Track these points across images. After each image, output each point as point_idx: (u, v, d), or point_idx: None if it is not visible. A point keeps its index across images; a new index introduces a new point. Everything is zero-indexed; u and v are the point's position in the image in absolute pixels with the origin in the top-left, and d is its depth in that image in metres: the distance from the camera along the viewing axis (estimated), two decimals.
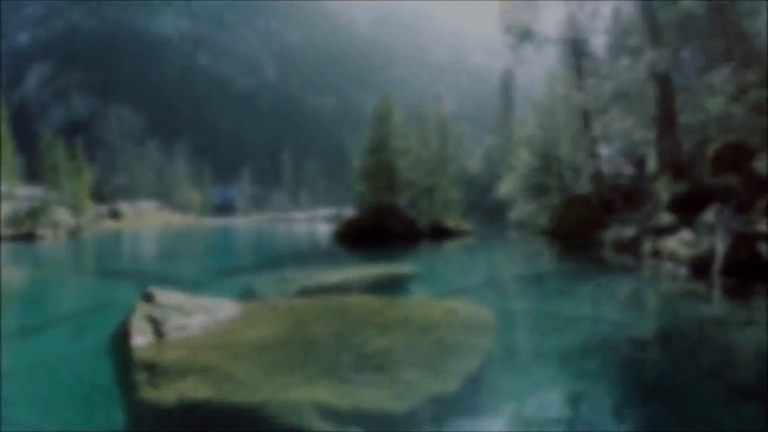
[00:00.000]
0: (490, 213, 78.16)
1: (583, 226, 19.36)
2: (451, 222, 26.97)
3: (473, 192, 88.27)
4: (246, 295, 10.18)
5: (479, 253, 18.15)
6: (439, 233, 25.77)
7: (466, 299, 9.01)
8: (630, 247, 16.08)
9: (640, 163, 24.96)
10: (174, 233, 74.29)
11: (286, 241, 41.83)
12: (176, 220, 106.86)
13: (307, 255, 21.68)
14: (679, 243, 11.69)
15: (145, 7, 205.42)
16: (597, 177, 22.93)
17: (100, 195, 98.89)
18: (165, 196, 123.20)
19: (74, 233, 50.00)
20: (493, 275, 12.70)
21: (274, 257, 21.80)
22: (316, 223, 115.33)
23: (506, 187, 29.32)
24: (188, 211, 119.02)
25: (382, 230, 24.08)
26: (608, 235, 17.40)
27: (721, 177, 22.01)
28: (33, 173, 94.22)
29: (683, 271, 11.33)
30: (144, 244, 41.54)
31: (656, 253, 13.32)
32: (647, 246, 13.31)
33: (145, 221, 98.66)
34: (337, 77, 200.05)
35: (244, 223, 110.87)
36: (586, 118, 25.07)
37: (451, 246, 22.77)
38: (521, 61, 27.51)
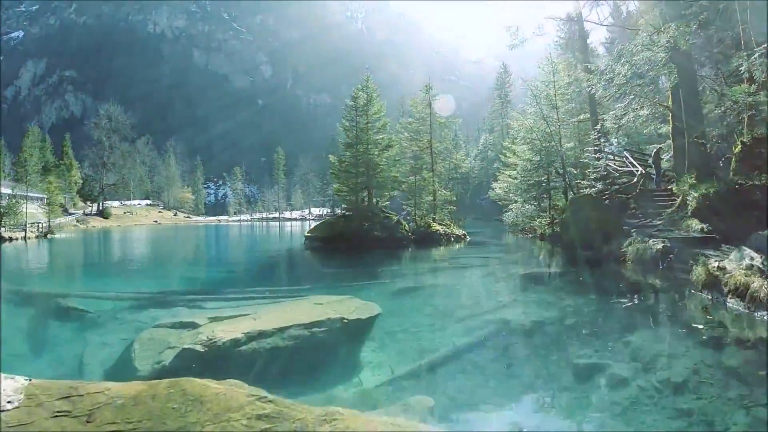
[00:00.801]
0: (485, 212, 74.72)
1: (594, 233, 15.77)
2: (440, 226, 23.34)
3: (468, 190, 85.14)
4: (106, 359, 6.56)
5: (469, 272, 14.37)
6: (427, 239, 22.15)
7: (440, 405, 5.00)
8: (658, 264, 12.53)
9: (655, 159, 21.24)
10: (152, 235, 70.51)
11: (258, 247, 38.18)
12: (166, 219, 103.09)
13: (265, 269, 17.90)
14: (749, 272, 8.04)
15: (140, 5, 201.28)
16: (607, 175, 19.32)
17: (89, 193, 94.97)
18: (157, 195, 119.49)
19: (45, 235, 46.12)
20: (483, 324, 8.01)
21: (228, 272, 18.61)
22: (309, 223, 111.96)
23: (501, 186, 25.61)
24: (180, 210, 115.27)
25: (359, 236, 20.48)
26: (628, 247, 13.85)
27: (752, 175, 18.43)
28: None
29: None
30: (108, 248, 38.29)
31: (710, 283, 9.47)
32: (699, 271, 9.41)
33: (134, 221, 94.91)
34: (333, 75, 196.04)
35: (232, 223, 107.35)
36: (593, 107, 21.50)
37: (437, 256, 19.04)
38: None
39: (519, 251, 20.38)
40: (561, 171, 21.19)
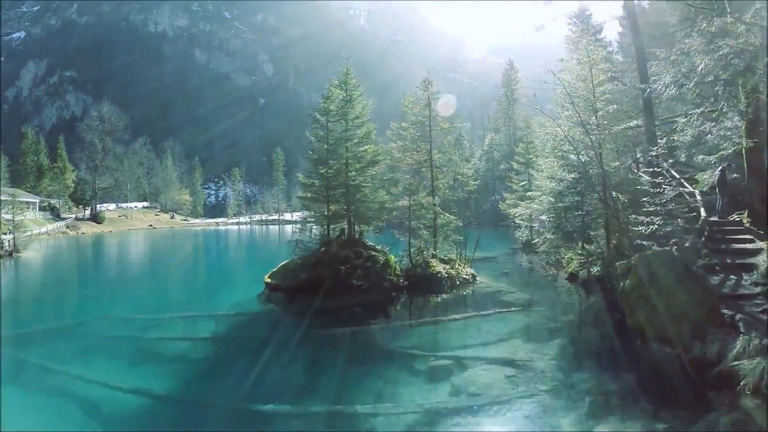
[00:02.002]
0: (491, 217, 68.46)
1: (678, 321, 9.67)
2: (442, 264, 17.61)
3: (472, 194, 78.00)
4: None
5: (480, 374, 8.50)
6: (424, 284, 16.32)
7: None
8: None
9: (721, 181, 15.17)
10: (139, 241, 65.04)
11: (237, 262, 32.46)
12: (162, 222, 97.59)
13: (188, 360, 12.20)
14: None
15: (142, 4, 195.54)
16: (669, 209, 13.32)
17: (81, 197, 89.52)
18: (155, 197, 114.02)
19: (10, 254, 40.07)
20: None
21: (178, 301, 14.02)
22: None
23: (525, 211, 19.40)
24: (178, 212, 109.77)
25: (332, 284, 14.76)
26: (741, 361, 8.02)
27: None
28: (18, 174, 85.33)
29: None
30: (81, 261, 33.35)
31: None
32: None
33: (128, 225, 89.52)
34: (335, 74, 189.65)
35: (231, 226, 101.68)
36: (650, 111, 15.48)
37: (435, 322, 13.06)
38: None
39: (550, 310, 14.36)
40: (602, 195, 15.21)
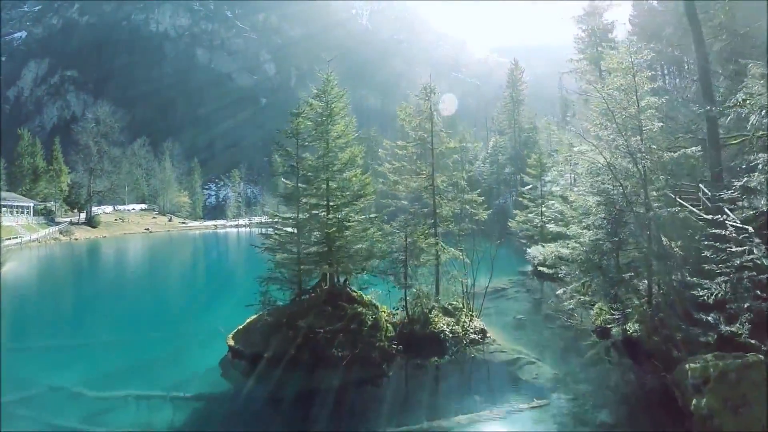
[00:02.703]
0: (494, 225, 64.57)
1: None
2: (445, 319, 13.41)
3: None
4: None
5: None
6: (423, 344, 12.71)
7: None
8: None
9: None
10: (130, 250, 61.56)
11: (220, 285, 28.91)
12: (159, 225, 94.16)
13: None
14: None
15: (143, 4, 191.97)
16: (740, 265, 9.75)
17: (75, 201, 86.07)
18: (153, 199, 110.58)
19: None
20: None
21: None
22: None
23: (547, 253, 15.42)
24: (177, 215, 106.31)
25: (308, 352, 11.29)
26: None
27: None
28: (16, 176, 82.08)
29: None
30: (57, 280, 29.85)
31: None
32: None
33: (124, 229, 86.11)
34: (337, 73, 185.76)
35: (229, 229, 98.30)
36: (714, 134, 11.80)
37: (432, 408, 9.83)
38: None
39: (588, 400, 10.73)
40: (648, 241, 11.58)
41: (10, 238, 53.04)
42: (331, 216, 12.28)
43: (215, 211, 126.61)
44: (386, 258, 13.53)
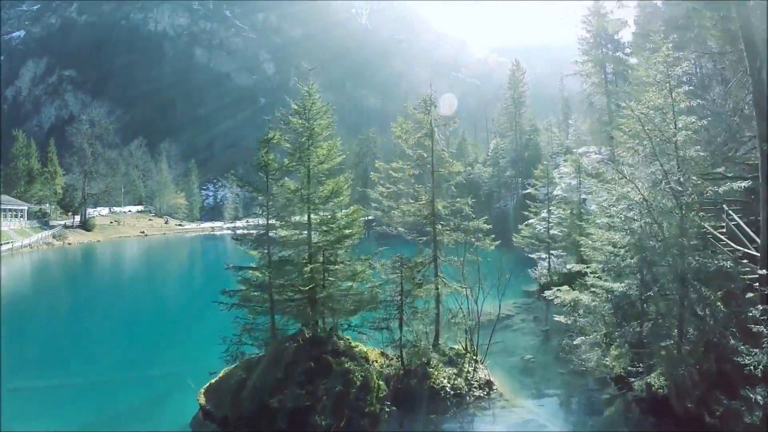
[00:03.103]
0: (494, 230, 62.50)
1: None
2: (446, 371, 11.49)
3: (476, 201, 70.96)
4: None
5: None
6: (418, 399, 10.76)
7: None
8: None
9: None
10: (120, 256, 59.66)
11: (202, 307, 26.95)
12: (155, 228, 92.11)
13: None
14: None
15: (142, 3, 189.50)
16: None
17: (69, 204, 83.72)
18: (150, 200, 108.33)
19: None
20: None
21: None
22: None
23: (567, 296, 13.25)
24: (173, 216, 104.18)
25: (287, 417, 9.43)
26: None
27: None
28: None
29: None
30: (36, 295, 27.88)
31: None
32: None
33: (119, 232, 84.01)
34: (337, 73, 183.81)
35: (225, 231, 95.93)
36: None
37: None
38: None
39: None
40: (683, 290, 9.62)
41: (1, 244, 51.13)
42: (311, 266, 10.21)
43: (213, 213, 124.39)
44: (379, 308, 11.53)
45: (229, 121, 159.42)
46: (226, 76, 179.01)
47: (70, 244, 68.86)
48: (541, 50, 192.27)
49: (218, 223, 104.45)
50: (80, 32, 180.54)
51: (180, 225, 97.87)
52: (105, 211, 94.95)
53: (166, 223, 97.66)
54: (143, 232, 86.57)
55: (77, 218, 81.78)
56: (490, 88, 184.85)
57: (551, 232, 24.46)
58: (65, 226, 76.55)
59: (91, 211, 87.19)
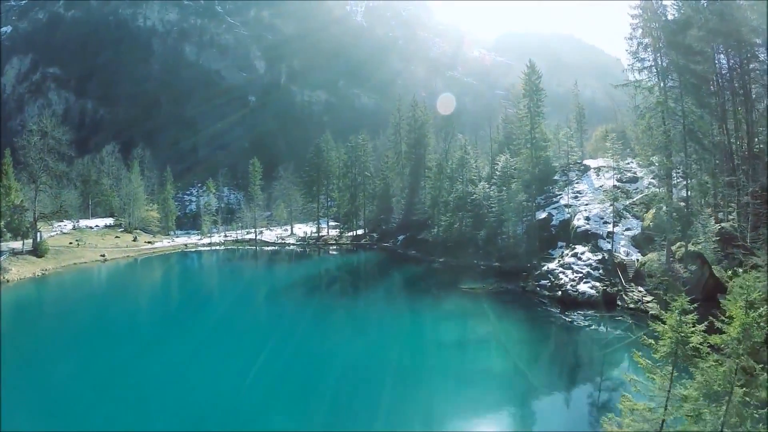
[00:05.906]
0: (503, 258, 46.05)
1: None
2: None
3: (480, 225, 55.26)
4: None
5: None
6: None
7: None
8: None
9: None
10: (56, 306, 43.45)
11: None
12: (122, 247, 75.24)
13: None
14: None
15: None
16: None
17: (17, 227, 66.22)
18: (122, 211, 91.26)
19: None
20: None
21: None
22: (285, 249, 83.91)
23: None
24: (146, 230, 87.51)
25: None
26: None
27: None
28: None
29: None
30: None
31: None
32: None
33: (75, 257, 66.51)
34: (331, 71, 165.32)
35: (200, 248, 79.84)
36: None
37: None
38: None
39: None
40: None
41: None
42: None
43: (195, 221, 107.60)
44: None
45: (218, 121, 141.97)
46: (215, 74, 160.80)
47: (8, 281, 51.19)
48: (541, 48, 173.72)
49: (195, 237, 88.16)
50: (67, 28, 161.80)
51: (150, 243, 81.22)
52: (69, 226, 78.23)
53: (135, 240, 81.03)
54: (103, 256, 69.63)
55: (29, 241, 64.49)
56: (487, 87, 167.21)
57: None
58: (13, 252, 59.15)
59: (54, 227, 70.28)
